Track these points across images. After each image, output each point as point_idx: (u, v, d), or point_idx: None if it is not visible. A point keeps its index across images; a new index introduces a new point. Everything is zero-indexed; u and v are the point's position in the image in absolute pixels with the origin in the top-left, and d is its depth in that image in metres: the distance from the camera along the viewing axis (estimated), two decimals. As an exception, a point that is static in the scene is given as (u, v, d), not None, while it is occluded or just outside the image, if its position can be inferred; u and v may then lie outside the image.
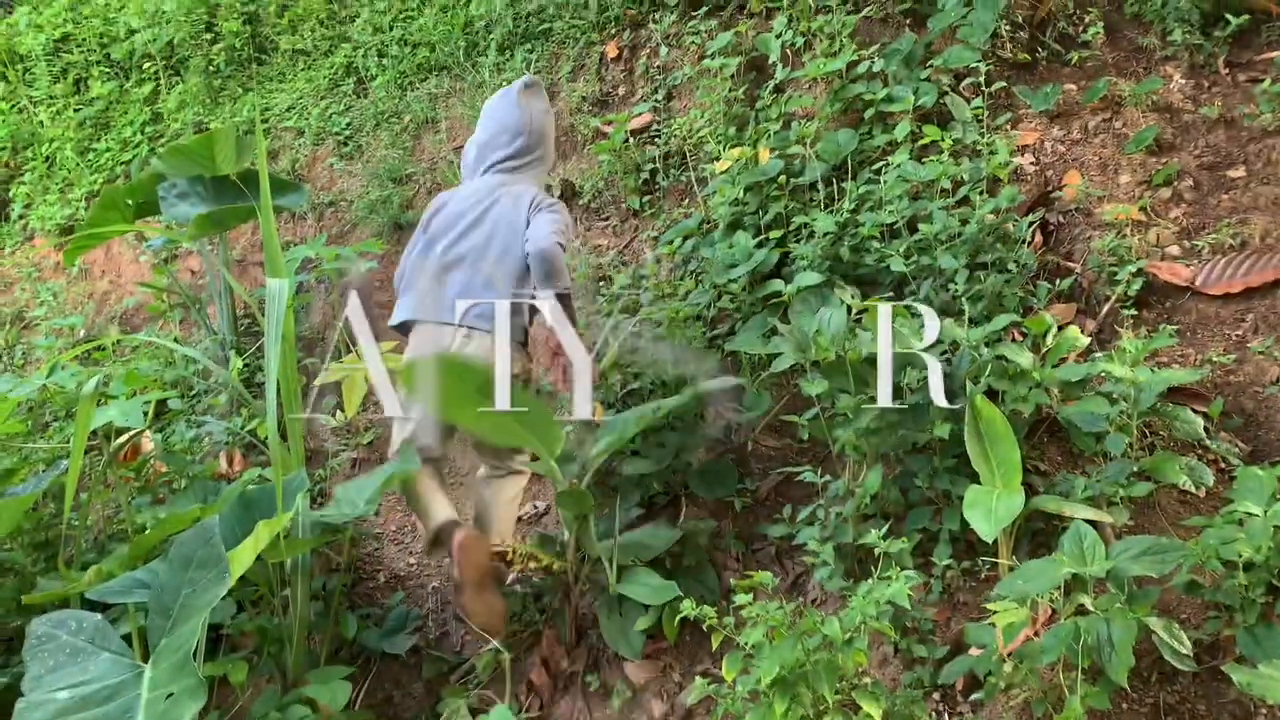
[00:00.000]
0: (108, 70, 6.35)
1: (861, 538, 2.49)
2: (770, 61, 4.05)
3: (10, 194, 6.05)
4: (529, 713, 2.64)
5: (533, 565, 2.52)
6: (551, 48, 4.98)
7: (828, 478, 2.60)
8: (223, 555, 1.93)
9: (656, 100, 4.50)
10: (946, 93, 3.72)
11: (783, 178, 3.63)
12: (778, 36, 4.03)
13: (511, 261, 2.87)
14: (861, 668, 2.00)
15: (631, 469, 2.95)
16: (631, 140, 4.27)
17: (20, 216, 5.95)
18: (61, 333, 4.78)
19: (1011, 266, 3.05)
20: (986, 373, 2.53)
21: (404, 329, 2.98)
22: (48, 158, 6.09)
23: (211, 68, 6.09)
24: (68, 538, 2.72)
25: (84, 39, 6.42)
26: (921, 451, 2.61)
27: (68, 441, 3.22)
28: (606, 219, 4.30)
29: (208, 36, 6.09)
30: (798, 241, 3.47)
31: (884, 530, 2.43)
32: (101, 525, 3.36)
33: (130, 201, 3.85)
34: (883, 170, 3.49)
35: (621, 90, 4.67)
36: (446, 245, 2.91)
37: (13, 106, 6.31)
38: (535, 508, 3.39)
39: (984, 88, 3.43)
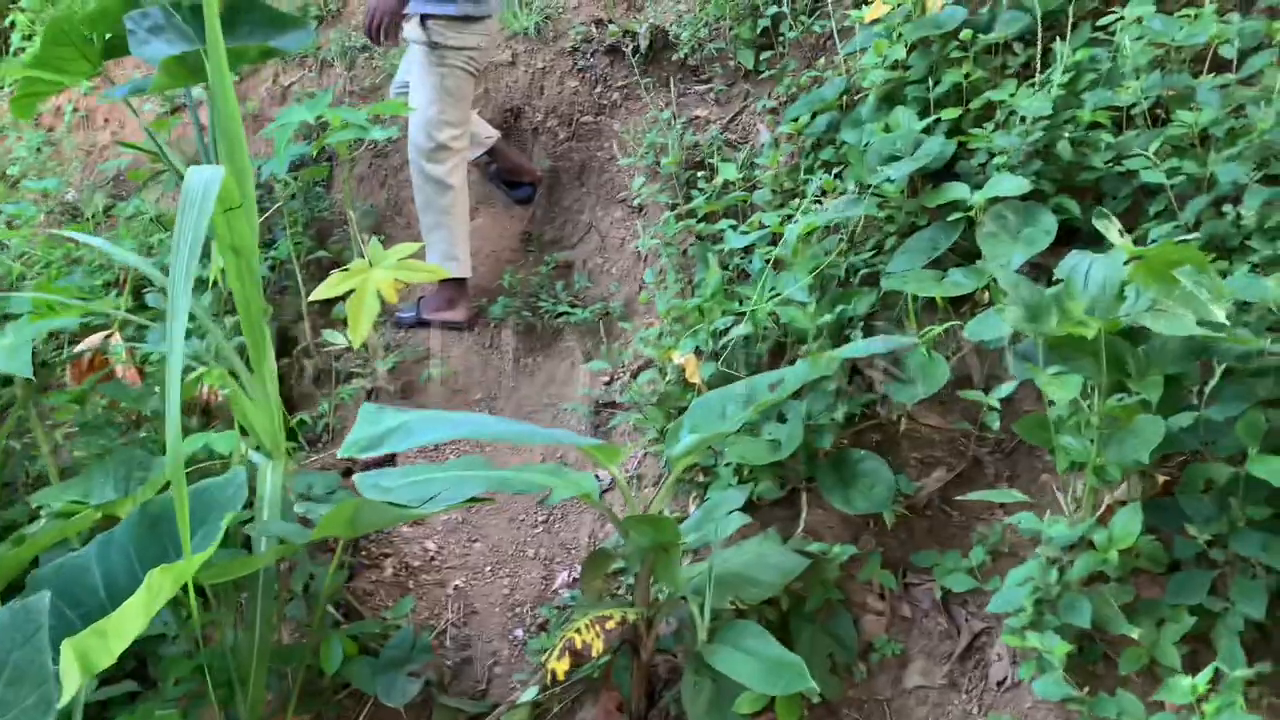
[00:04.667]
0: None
1: (1106, 620, 1.59)
2: None
3: (8, 21, 5.18)
4: (575, 793, 1.87)
5: (596, 646, 1.67)
6: None
7: (1053, 520, 1.67)
8: (47, 669, 1.12)
9: (780, -79, 3.38)
10: (1206, -85, 2.57)
11: (966, 32, 2.57)
12: None
13: None
14: None
15: (734, 455, 2.07)
16: (750, -26, 3.19)
17: (19, 49, 5.10)
18: (43, 198, 3.99)
19: (1329, 182, 2.00)
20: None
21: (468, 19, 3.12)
22: (49, -19, 5.19)
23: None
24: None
25: None
26: (1206, 487, 1.66)
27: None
28: (708, 81, 3.26)
29: None
30: (984, 127, 2.44)
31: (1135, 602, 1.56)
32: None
33: (92, 36, 2.95)
34: (1116, 27, 2.41)
35: (734, -92, 3.54)
36: None
37: (10, -81, 5.37)
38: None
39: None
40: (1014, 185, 2.17)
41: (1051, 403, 1.72)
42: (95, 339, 2.95)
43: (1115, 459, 1.60)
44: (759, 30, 3.12)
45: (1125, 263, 1.58)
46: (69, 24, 2.91)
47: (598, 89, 3.42)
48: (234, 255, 1.92)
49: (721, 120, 3.13)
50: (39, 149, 4.27)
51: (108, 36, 3.01)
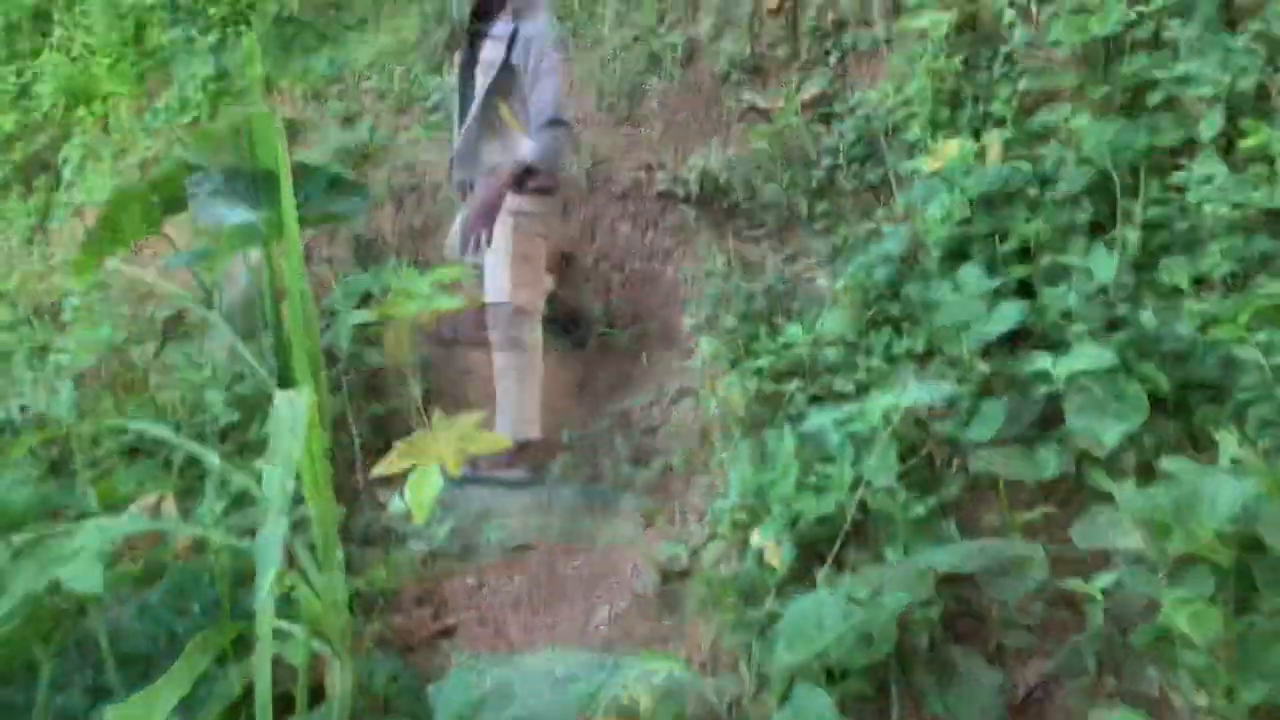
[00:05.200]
0: (172, 16, 5.54)
1: None
2: (1006, 22, 2.91)
3: (61, 158, 5.31)
4: None
5: None
6: (689, -5, 3.92)
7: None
8: None
9: (826, 66, 3.42)
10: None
11: (1031, 190, 2.55)
12: (1011, -16, 2.91)
13: None
14: None
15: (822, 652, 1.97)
16: (802, 120, 3.21)
17: (70, 184, 5.21)
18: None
19: None
20: None
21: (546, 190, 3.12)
22: (103, 117, 5.33)
23: (284, 13, 5.22)
24: None
25: (148, -24, 5.61)
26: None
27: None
28: (761, 225, 3.26)
29: (283, -28, 5.23)
30: (1054, 285, 2.40)
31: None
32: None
33: (154, 199, 2.98)
34: (1188, 184, 2.39)
35: (781, 51, 3.59)
36: None
37: (66, 53, 5.54)
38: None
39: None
40: (1098, 358, 2.11)
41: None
42: (149, 503, 2.92)
43: (1248, 685, 1.51)
44: (815, 181, 3.12)
45: (1250, 479, 1.51)
46: (134, 191, 2.94)
47: (650, 234, 3.42)
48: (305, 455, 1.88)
49: (778, 267, 3.11)
50: (89, 290, 4.31)
51: (168, 197, 3.05)
